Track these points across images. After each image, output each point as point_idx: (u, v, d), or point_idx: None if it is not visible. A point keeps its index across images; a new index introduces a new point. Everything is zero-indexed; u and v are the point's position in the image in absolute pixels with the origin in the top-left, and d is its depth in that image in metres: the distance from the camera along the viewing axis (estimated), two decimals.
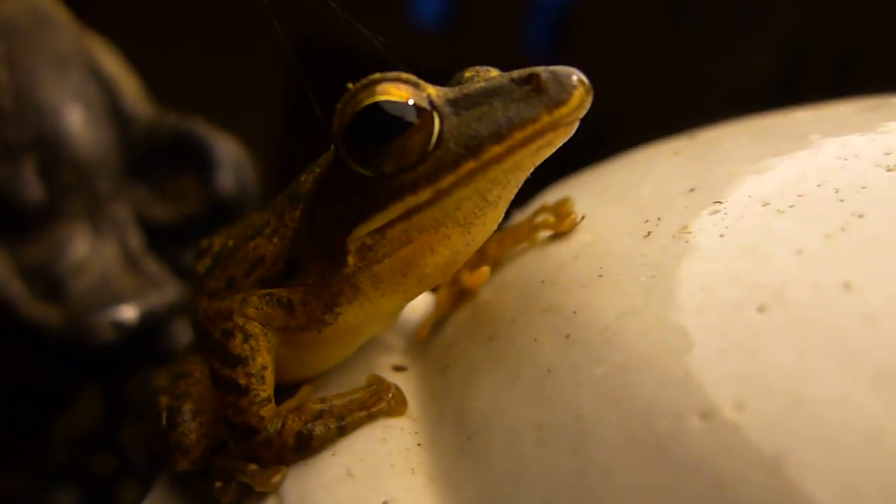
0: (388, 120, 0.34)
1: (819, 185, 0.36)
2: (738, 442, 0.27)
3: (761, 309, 0.30)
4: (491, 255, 0.47)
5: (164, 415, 0.41)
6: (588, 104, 0.35)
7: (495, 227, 0.39)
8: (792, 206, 0.35)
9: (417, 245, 0.37)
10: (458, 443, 0.37)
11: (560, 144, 0.36)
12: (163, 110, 0.86)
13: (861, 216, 0.32)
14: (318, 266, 0.40)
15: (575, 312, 0.36)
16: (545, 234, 0.45)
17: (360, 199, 0.36)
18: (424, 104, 0.35)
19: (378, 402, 0.39)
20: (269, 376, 0.39)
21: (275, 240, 0.43)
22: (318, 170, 0.41)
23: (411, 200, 0.35)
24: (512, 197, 0.38)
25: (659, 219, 0.38)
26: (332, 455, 0.37)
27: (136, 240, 0.81)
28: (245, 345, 0.38)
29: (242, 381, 0.38)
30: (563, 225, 0.43)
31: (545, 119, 0.34)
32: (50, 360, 0.74)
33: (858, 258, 0.30)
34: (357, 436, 0.38)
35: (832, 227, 0.32)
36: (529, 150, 0.35)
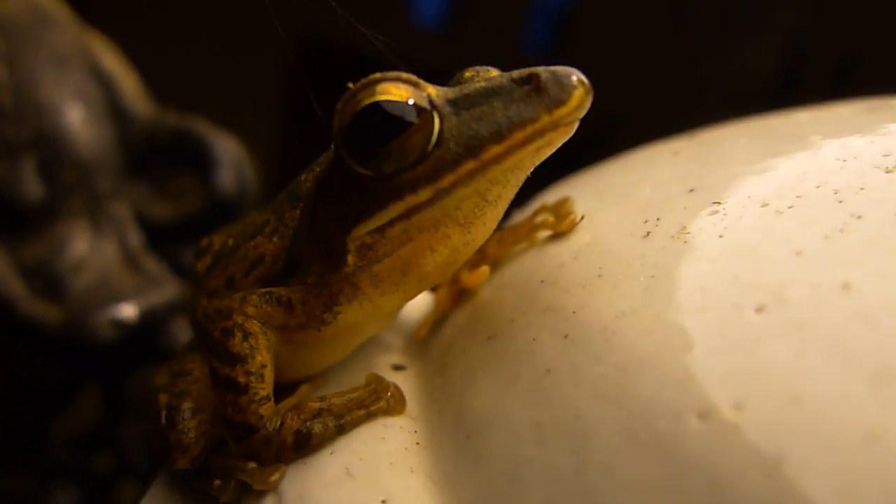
0: (388, 120, 0.34)
1: (818, 186, 0.36)
2: (737, 441, 0.27)
3: (760, 309, 0.30)
4: (490, 255, 0.47)
5: (164, 413, 0.41)
6: (588, 104, 0.35)
7: (495, 227, 0.39)
8: (791, 207, 0.35)
9: (417, 244, 0.37)
10: (457, 442, 0.37)
11: (560, 144, 0.36)
12: (163, 109, 0.86)
13: (860, 217, 0.33)
14: (317, 265, 0.40)
15: (574, 312, 0.36)
16: (545, 233, 0.45)
17: (360, 199, 0.36)
18: (424, 104, 0.35)
19: (377, 401, 0.39)
20: (269, 375, 0.39)
21: (275, 239, 0.43)
22: (318, 169, 0.41)
23: (411, 200, 0.35)
24: (512, 196, 0.39)
25: (658, 219, 0.38)
26: (331, 454, 0.37)
27: (135, 238, 0.81)
28: (244, 343, 0.38)
29: (241, 379, 0.38)
30: (562, 225, 0.43)
31: (545, 119, 0.34)
32: (49, 358, 0.74)
33: (857, 259, 0.30)
34: (356, 435, 0.38)
35: (831, 227, 0.33)
36: (529, 150, 0.35)
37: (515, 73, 0.35)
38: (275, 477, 0.37)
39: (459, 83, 0.38)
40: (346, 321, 0.40)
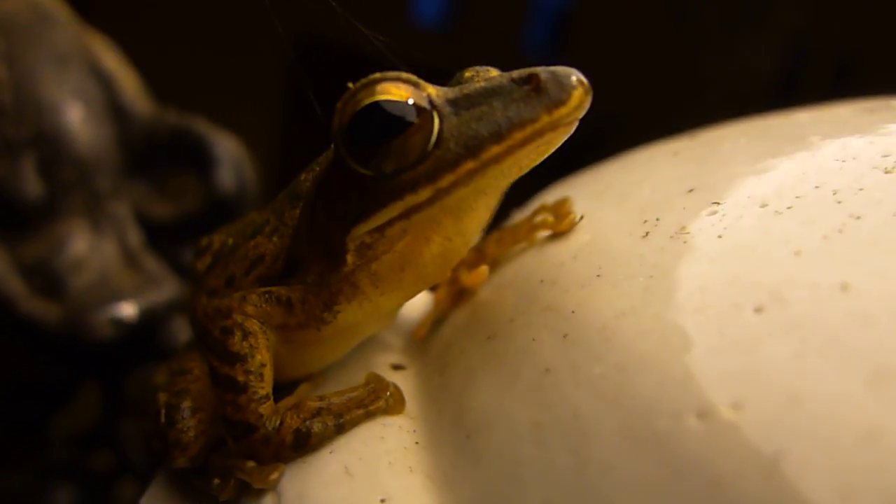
0: (388, 119, 0.34)
1: (817, 187, 0.36)
2: (736, 441, 0.27)
3: (759, 309, 0.30)
4: (490, 255, 0.47)
5: (163, 412, 0.41)
6: (587, 104, 0.35)
7: (488, 217, 0.39)
8: (790, 208, 0.35)
9: (412, 237, 0.37)
10: (456, 442, 0.37)
11: (559, 144, 0.36)
12: (163, 108, 0.86)
13: (859, 218, 0.33)
14: (317, 265, 0.40)
15: (573, 312, 0.36)
16: (544, 233, 0.45)
17: (359, 199, 0.36)
18: (424, 104, 0.35)
19: (376, 401, 0.39)
20: (268, 374, 0.39)
21: (274, 238, 0.43)
22: (317, 169, 0.41)
23: (411, 200, 0.35)
24: (505, 188, 0.39)
25: (658, 219, 0.38)
26: (330, 453, 0.37)
27: (135, 237, 0.81)
28: (244, 342, 0.38)
29: (241, 378, 0.38)
30: (562, 224, 0.43)
31: (545, 119, 0.34)
32: (49, 357, 0.74)
33: (856, 259, 0.30)
34: (355, 434, 0.38)
35: (830, 228, 0.33)
36: (529, 150, 0.35)
37: (515, 74, 0.35)
38: (274, 476, 0.37)
39: (459, 83, 0.38)
40: (345, 320, 0.40)
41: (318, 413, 0.38)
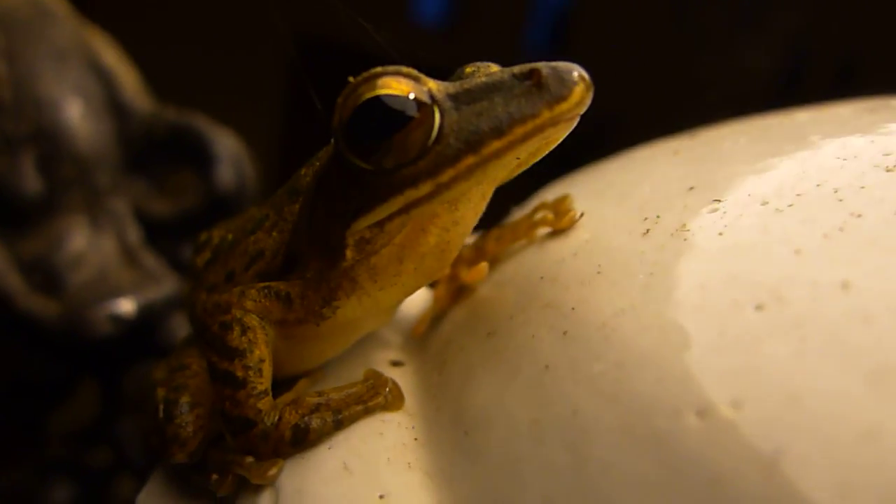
0: (388, 114, 0.34)
1: (818, 185, 0.36)
2: (735, 439, 0.27)
3: (759, 307, 0.30)
4: (490, 252, 0.47)
5: (162, 407, 0.41)
6: (588, 100, 0.35)
7: (483, 206, 0.39)
8: (791, 206, 0.35)
9: (411, 230, 0.37)
10: (455, 439, 0.37)
11: (560, 140, 0.36)
12: (162, 105, 0.86)
13: (859, 216, 0.33)
14: (316, 260, 0.40)
15: (573, 309, 0.36)
16: (544, 231, 0.45)
17: (359, 193, 0.36)
18: (425, 98, 0.35)
19: (375, 397, 0.39)
20: (267, 369, 0.39)
21: (274, 234, 0.43)
22: (318, 164, 0.41)
23: (411, 194, 0.35)
24: (503, 179, 0.39)
25: (658, 217, 0.38)
26: (329, 449, 0.37)
27: (134, 234, 0.81)
28: (243, 337, 0.38)
29: (240, 373, 0.38)
30: (561, 222, 0.43)
31: (546, 115, 0.34)
32: (47, 353, 0.74)
33: (857, 258, 0.30)
34: (354, 430, 0.38)
35: (831, 226, 0.33)
36: (529, 146, 0.35)
37: (516, 69, 0.35)
38: (272, 471, 0.36)
39: (460, 79, 0.38)
40: (344, 316, 0.40)
41: (316, 409, 0.38)
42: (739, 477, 0.26)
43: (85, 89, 0.79)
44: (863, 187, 0.34)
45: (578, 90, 0.34)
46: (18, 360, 0.74)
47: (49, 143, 0.74)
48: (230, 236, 0.47)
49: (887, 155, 0.36)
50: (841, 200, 0.34)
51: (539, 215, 0.45)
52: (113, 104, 0.81)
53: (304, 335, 0.41)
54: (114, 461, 0.80)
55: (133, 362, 0.77)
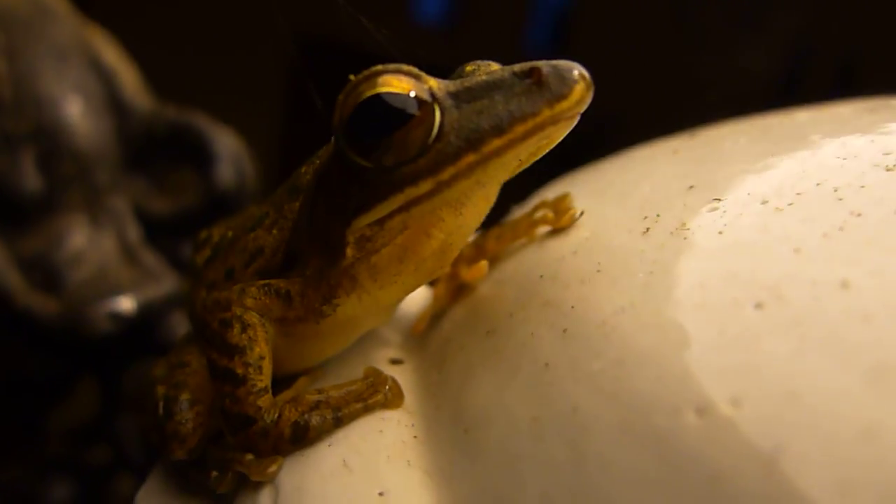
0: (389, 112, 0.34)
1: (818, 184, 0.36)
2: (735, 437, 0.27)
3: (759, 306, 0.30)
4: (489, 250, 0.47)
5: (161, 404, 0.41)
6: (589, 99, 0.35)
7: (487, 208, 0.40)
8: (791, 205, 0.35)
9: (412, 230, 0.37)
10: (454, 437, 0.37)
11: (560, 139, 0.36)
12: (162, 103, 0.86)
13: (859, 215, 0.33)
14: (316, 258, 0.40)
15: (573, 307, 0.36)
16: (544, 229, 0.45)
17: (360, 191, 0.36)
18: (426, 96, 0.35)
19: (375, 394, 0.39)
20: (267, 366, 0.39)
21: (274, 231, 0.43)
22: (318, 162, 0.41)
23: (412, 192, 0.35)
24: (503, 180, 0.39)
25: (658, 216, 0.38)
26: (329, 446, 0.37)
27: (134, 232, 0.81)
28: (243, 335, 0.38)
29: (240, 370, 0.38)
30: (561, 220, 0.43)
31: (546, 113, 0.34)
32: (47, 351, 0.74)
33: (856, 257, 0.30)
34: (353, 427, 0.38)
35: (830, 225, 0.33)
36: (530, 144, 0.35)
37: (517, 67, 0.35)
38: (272, 469, 0.37)
39: (461, 77, 0.38)
40: (344, 314, 0.40)
41: (316, 406, 0.38)
42: (739, 474, 0.26)
43: (85, 87, 0.79)
44: (863, 186, 0.34)
45: (579, 89, 0.34)
46: (18, 357, 0.74)
47: (49, 140, 0.74)
48: (230, 234, 0.47)
49: (887, 154, 0.36)
50: (841, 200, 0.34)
51: (539, 214, 0.45)
52: (113, 102, 0.81)
53: (303, 333, 0.41)
54: (113, 459, 0.80)
55: (133, 360, 0.77)
